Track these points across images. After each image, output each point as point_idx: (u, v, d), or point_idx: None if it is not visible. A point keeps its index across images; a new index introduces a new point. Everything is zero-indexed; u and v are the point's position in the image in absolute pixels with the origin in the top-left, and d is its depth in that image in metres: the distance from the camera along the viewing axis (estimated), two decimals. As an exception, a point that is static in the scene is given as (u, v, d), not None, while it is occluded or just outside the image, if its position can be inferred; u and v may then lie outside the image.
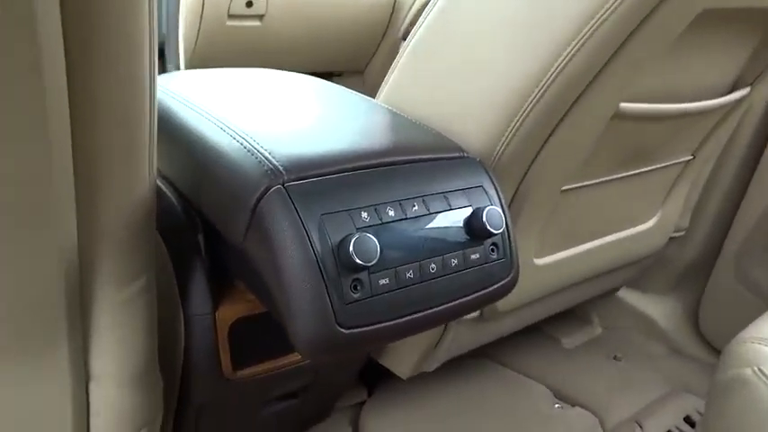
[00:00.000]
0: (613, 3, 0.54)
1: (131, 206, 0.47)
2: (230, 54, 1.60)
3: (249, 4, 1.54)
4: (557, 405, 1.05)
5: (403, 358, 0.88)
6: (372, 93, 0.74)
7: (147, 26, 0.40)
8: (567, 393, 1.07)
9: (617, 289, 1.24)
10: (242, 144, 0.51)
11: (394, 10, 1.80)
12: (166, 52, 1.39)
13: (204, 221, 0.60)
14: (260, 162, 0.48)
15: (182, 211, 0.62)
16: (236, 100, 0.64)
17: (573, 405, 1.05)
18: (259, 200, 0.46)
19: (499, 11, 0.61)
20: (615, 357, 1.19)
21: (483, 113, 0.63)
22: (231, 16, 1.53)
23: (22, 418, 0.51)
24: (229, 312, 0.62)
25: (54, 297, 0.46)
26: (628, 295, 1.28)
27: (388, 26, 1.81)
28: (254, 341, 0.65)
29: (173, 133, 0.58)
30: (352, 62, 1.89)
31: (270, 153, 0.49)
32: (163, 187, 0.64)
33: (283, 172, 0.47)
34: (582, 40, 0.56)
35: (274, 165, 0.47)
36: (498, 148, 0.63)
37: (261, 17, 1.58)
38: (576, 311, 1.28)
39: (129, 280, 0.51)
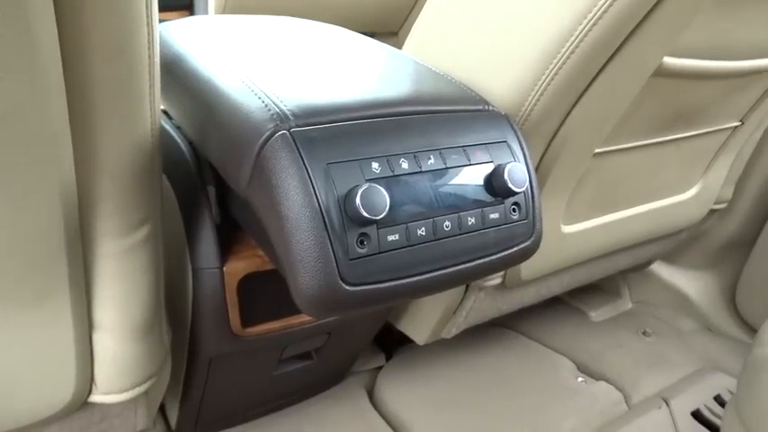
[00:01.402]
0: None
1: (132, 144, 0.45)
2: (263, 11, 1.57)
3: (283, -43, 1.49)
4: (580, 378, 1.01)
5: (420, 324, 0.86)
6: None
7: None
8: (592, 367, 1.04)
9: (650, 262, 1.19)
10: (250, 88, 0.48)
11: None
12: (196, 4, 1.36)
13: (215, 172, 0.57)
14: (266, 106, 0.45)
15: (192, 161, 0.60)
16: (249, 45, 0.61)
17: (597, 379, 1.01)
18: (263, 145, 0.43)
19: None
20: (644, 333, 1.14)
21: (512, 67, 0.58)
22: (265, -31, 1.49)
23: (25, 366, 0.50)
24: (238, 267, 0.60)
25: (53, 240, 0.45)
26: (661, 269, 1.23)
27: (423, -13, 1.74)
28: (265, 298, 0.63)
29: (182, 78, 0.56)
30: (387, 22, 1.83)
31: (278, 97, 0.46)
32: (175, 136, 0.62)
33: (290, 117, 0.44)
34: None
35: (281, 109, 0.44)
36: (527, 103, 0.58)
37: (295, -28, 1.54)
38: (605, 284, 1.23)
39: (132, 226, 0.49)
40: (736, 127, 0.89)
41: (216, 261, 0.59)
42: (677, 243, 1.10)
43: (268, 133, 0.43)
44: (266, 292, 0.62)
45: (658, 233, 0.97)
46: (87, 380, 0.55)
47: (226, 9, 1.47)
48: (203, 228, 0.58)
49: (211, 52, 0.57)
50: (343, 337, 0.81)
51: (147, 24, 0.41)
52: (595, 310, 1.18)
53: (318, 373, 0.88)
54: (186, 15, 1.25)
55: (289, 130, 0.43)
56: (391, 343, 1.02)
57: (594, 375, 1.02)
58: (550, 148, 0.65)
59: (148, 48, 0.42)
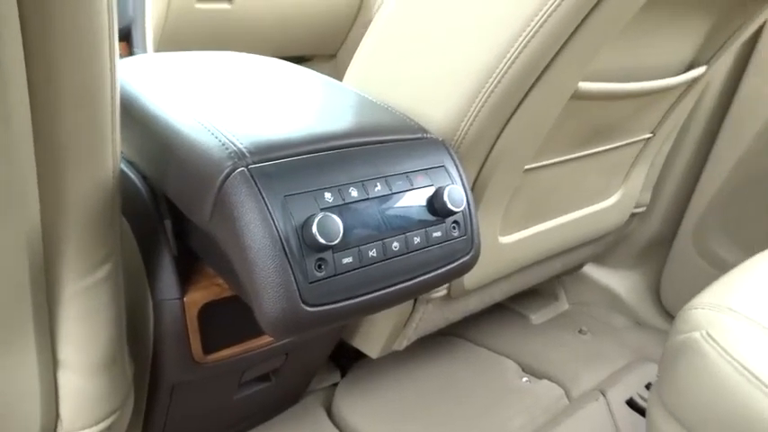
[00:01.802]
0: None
1: (95, 186, 0.47)
2: (200, 38, 1.58)
3: (219, -13, 1.52)
4: (524, 378, 1.08)
5: (373, 338, 0.90)
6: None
7: (105, 6, 0.40)
8: (535, 367, 1.10)
9: (582, 265, 1.28)
10: (205, 127, 0.51)
11: (364, -6, 1.80)
12: (134, 36, 1.37)
13: (171, 205, 0.60)
14: (223, 144, 0.48)
15: (148, 196, 0.62)
16: (199, 83, 0.64)
17: (540, 378, 1.08)
18: (223, 182, 0.46)
19: None
20: (581, 331, 1.22)
21: (446, 94, 0.64)
22: (201, -2, 1.51)
23: (-9, 406, 0.51)
24: (198, 297, 0.62)
25: (19, 282, 0.46)
26: (592, 271, 1.32)
27: (359, 8, 1.80)
28: (224, 325, 0.66)
29: (137, 117, 0.58)
30: (324, 46, 1.88)
31: (233, 135, 0.49)
32: (128, 172, 0.64)
33: (247, 154, 0.47)
34: (540, 22, 0.57)
35: (238, 147, 0.48)
36: (461, 128, 0.64)
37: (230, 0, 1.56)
38: (543, 288, 1.31)
39: (94, 266, 0.51)
40: (648, 138, 0.98)
41: (176, 292, 0.61)
42: (605, 246, 1.19)
43: (227, 170, 0.46)
44: (226, 319, 0.65)
45: (587, 238, 1.05)
46: (53, 417, 0.56)
47: (163, 37, 1.48)
48: (162, 260, 0.61)
49: (164, 91, 0.60)
50: (300, 356, 0.83)
51: (111, 69, 0.43)
52: (535, 312, 1.26)
53: (277, 394, 0.91)
54: (125, 47, 1.26)
55: (246, 167, 0.46)
56: (346, 359, 1.06)
57: (537, 374, 1.09)
58: (485, 168, 0.71)
59: (111, 92, 0.44)
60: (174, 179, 0.52)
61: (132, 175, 0.64)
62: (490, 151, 0.70)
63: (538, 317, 1.25)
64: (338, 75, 0.74)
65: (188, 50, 0.78)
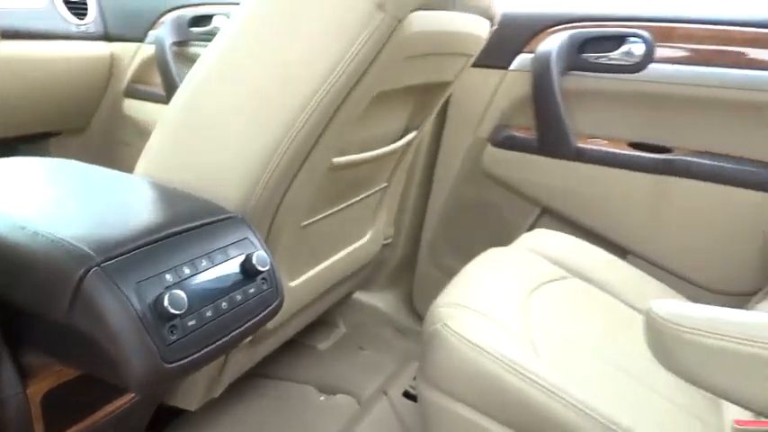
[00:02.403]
0: (324, 91, 0.77)
1: None
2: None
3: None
4: (322, 397, 1.27)
5: (191, 392, 1.00)
6: (99, 151, 0.85)
7: None
8: (329, 385, 1.31)
9: (352, 293, 1.53)
10: (46, 237, 0.60)
11: (112, 64, 1.84)
12: None
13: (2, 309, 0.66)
14: (70, 250, 0.59)
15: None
16: (13, 192, 0.71)
17: (335, 393, 1.29)
18: (80, 281, 0.57)
19: (244, 86, 0.80)
20: (360, 348, 1.47)
21: (238, 176, 0.81)
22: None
23: None
24: (40, 386, 0.68)
25: None
26: (361, 296, 1.59)
27: (108, 81, 1.84)
28: (66, 406, 0.72)
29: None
30: (72, 120, 1.86)
31: (75, 240, 0.60)
32: None
33: (94, 255, 0.59)
34: (304, 120, 0.78)
35: (84, 250, 0.59)
36: (252, 202, 0.81)
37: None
38: (325, 319, 1.53)
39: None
40: (385, 187, 1.27)
41: (17, 386, 0.67)
42: (366, 274, 1.46)
43: (82, 272, 0.57)
44: (67, 400, 0.72)
45: (352, 270, 1.30)
46: None
47: None
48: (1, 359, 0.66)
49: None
50: (127, 423, 0.91)
51: None
52: (321, 341, 1.47)
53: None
54: None
55: (98, 266, 0.58)
56: (167, 415, 1.13)
57: (332, 391, 1.30)
58: (272, 229, 0.90)
59: None
60: (21, 287, 0.60)
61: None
62: (274, 217, 0.89)
63: (324, 344, 1.46)
64: (90, 149, 0.83)
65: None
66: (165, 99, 1.83)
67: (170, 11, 1.85)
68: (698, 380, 0.62)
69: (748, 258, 1.20)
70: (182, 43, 1.82)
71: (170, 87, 1.81)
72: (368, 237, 1.30)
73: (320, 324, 1.51)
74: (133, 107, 1.91)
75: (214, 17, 1.78)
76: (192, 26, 1.81)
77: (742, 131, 1.22)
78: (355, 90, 0.81)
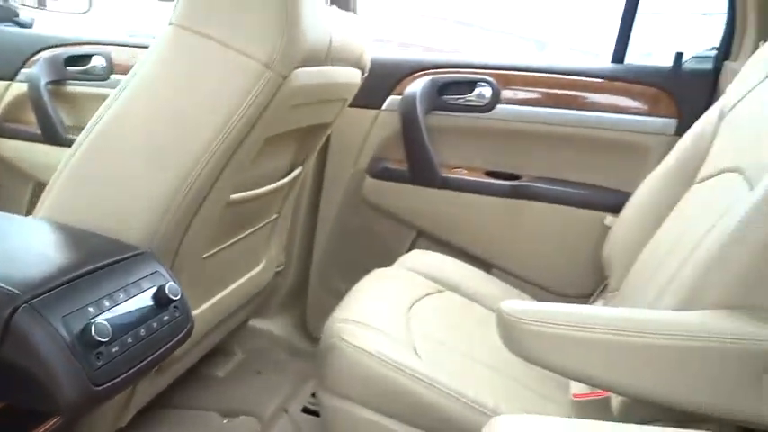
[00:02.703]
0: (220, 139, 0.87)
1: None
2: None
3: None
4: (225, 421, 1.34)
5: (99, 421, 1.04)
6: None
7: None
8: (231, 409, 1.38)
9: (248, 319, 1.61)
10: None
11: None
12: None
13: None
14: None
15: None
16: None
17: (237, 416, 1.36)
18: (10, 318, 0.63)
19: (144, 134, 0.88)
20: (258, 372, 1.55)
21: (141, 216, 0.89)
22: None
23: None
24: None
25: None
26: (256, 323, 1.67)
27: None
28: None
29: None
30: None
31: (1, 281, 0.66)
32: None
33: (20, 293, 0.65)
34: (203, 164, 0.88)
35: (10, 290, 0.65)
36: (155, 240, 0.89)
37: None
38: (222, 347, 1.59)
39: None
40: (276, 218, 1.38)
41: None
42: (261, 301, 1.55)
43: (11, 309, 0.64)
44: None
45: (249, 297, 1.39)
46: None
47: None
48: None
49: None
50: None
51: None
52: (220, 369, 1.53)
53: None
54: None
55: (27, 303, 0.65)
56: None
57: (235, 414, 1.37)
58: (176, 263, 0.97)
59: None
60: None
61: None
62: (178, 250, 0.97)
63: (223, 371, 1.52)
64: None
65: None
66: (42, 138, 1.81)
67: (44, 49, 1.85)
68: (541, 361, 0.80)
69: (585, 266, 1.45)
70: (57, 82, 1.82)
71: (46, 126, 1.80)
72: (262, 265, 1.40)
73: (218, 352, 1.57)
74: (2, 145, 1.87)
75: (93, 57, 1.81)
76: (68, 65, 1.82)
77: (575, 160, 1.48)
78: (248, 137, 0.92)
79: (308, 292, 1.68)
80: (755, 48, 1.20)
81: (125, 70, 1.72)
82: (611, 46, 1.50)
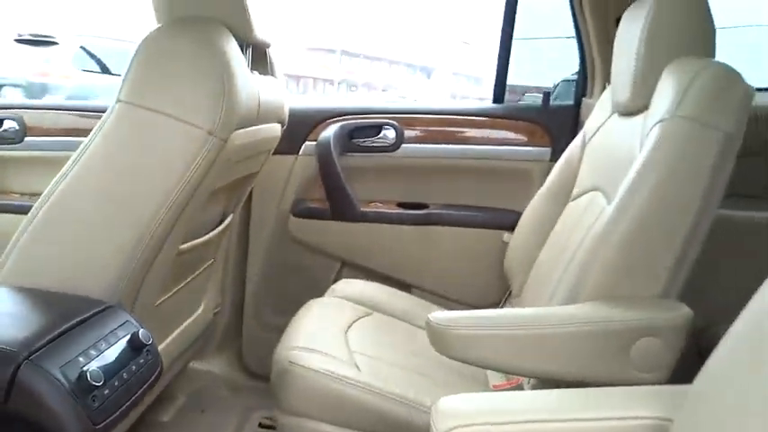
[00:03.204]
0: (173, 199, 0.99)
1: None
2: None
3: None
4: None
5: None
6: None
7: None
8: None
9: (188, 363, 1.68)
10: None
11: None
12: None
13: None
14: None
15: None
16: None
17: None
18: (14, 374, 0.72)
19: (101, 200, 0.98)
20: (202, 411, 1.62)
21: (101, 274, 0.98)
22: None
23: None
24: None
25: None
26: (196, 364, 1.74)
27: None
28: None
29: None
30: None
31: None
32: None
33: (18, 351, 0.74)
34: (159, 221, 0.99)
35: (9, 349, 0.74)
36: (116, 295, 0.99)
37: None
38: (165, 391, 1.64)
39: None
40: (212, 262, 1.48)
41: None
42: (202, 343, 1.63)
43: (13, 367, 0.72)
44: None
45: (192, 339, 1.47)
46: None
47: None
48: None
49: None
50: None
51: None
52: (165, 413, 1.58)
53: None
54: None
55: (27, 359, 0.74)
56: None
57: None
58: (134, 311, 1.07)
59: None
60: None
61: None
62: (135, 301, 1.06)
63: (167, 415, 1.58)
64: None
65: None
66: None
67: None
68: (467, 358, 0.99)
69: (491, 278, 1.66)
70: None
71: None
72: (202, 308, 1.50)
73: (161, 398, 1.63)
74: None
75: (5, 120, 1.83)
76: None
77: (473, 187, 1.72)
78: (195, 194, 1.05)
79: (242, 330, 1.78)
80: (604, 88, 1.49)
81: (40, 133, 1.78)
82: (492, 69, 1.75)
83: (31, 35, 5.98)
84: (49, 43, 5.98)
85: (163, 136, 0.99)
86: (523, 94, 2.27)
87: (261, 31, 1.21)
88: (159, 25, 1.06)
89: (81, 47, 5.97)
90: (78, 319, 0.85)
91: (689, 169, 0.93)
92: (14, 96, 5.62)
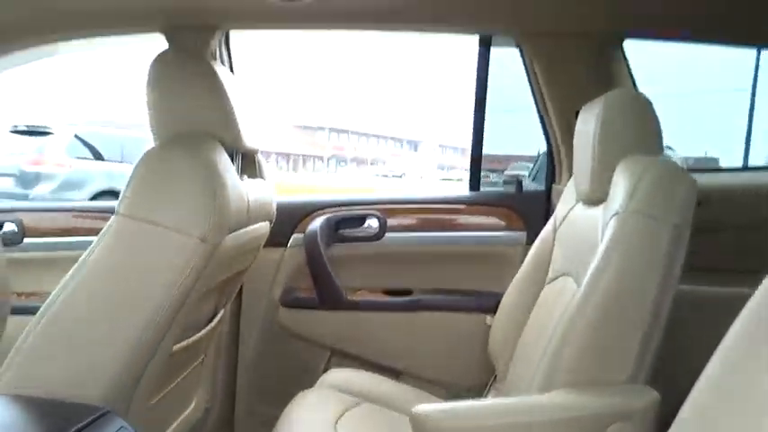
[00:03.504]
0: (168, 303, 1.05)
1: None
2: None
3: None
4: None
5: None
6: None
7: None
8: None
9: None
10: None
11: None
12: None
13: None
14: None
15: None
16: None
17: None
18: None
19: (101, 309, 1.04)
20: None
21: (97, 382, 1.03)
22: None
23: None
24: None
25: None
26: None
27: None
28: None
29: None
30: None
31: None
32: None
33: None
34: (156, 324, 1.05)
35: None
36: (113, 394, 1.03)
37: None
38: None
39: None
40: (203, 358, 1.52)
41: None
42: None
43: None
44: None
45: None
46: None
47: None
48: None
49: None
50: None
51: None
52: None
53: None
54: None
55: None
56: None
57: None
58: (129, 414, 1.10)
59: None
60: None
61: None
62: (130, 404, 1.10)
63: None
64: None
65: None
66: None
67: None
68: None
69: (476, 361, 1.71)
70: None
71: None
72: (193, 404, 1.52)
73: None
74: None
75: (5, 223, 1.89)
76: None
77: (455, 272, 1.79)
78: (188, 298, 1.11)
79: (233, 422, 1.79)
80: (570, 175, 1.59)
81: (38, 233, 1.85)
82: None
83: (26, 126, 6.17)
84: (44, 133, 6.17)
85: (158, 247, 1.06)
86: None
87: (249, 140, 1.32)
88: (157, 143, 1.16)
89: (75, 135, 6.17)
90: (78, 426, 0.89)
91: (643, 260, 1.01)
92: (6, 185, 5.70)
